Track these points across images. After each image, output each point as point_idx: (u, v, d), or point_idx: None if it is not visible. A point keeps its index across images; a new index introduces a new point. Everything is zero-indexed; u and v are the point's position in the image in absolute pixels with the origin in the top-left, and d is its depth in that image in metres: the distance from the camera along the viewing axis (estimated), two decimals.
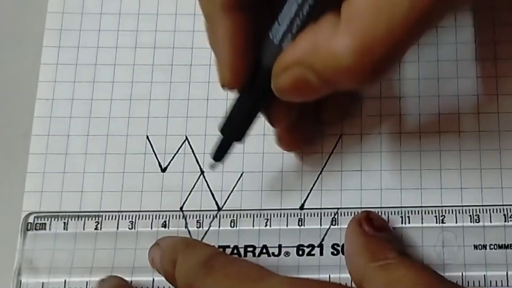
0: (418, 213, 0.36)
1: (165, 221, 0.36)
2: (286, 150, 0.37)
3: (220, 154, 0.34)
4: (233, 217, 0.36)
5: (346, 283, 0.34)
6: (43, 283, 0.35)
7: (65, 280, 0.35)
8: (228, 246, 0.36)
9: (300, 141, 0.36)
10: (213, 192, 0.37)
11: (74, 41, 0.39)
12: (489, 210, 0.35)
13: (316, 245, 0.35)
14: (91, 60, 0.39)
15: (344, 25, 0.27)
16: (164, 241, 0.34)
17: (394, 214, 0.36)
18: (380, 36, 0.27)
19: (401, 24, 0.26)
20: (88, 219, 0.36)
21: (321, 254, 0.35)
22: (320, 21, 0.28)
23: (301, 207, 0.36)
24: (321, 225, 0.36)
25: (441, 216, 0.35)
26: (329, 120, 0.37)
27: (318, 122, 0.37)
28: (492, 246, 0.35)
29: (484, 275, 0.34)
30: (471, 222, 0.35)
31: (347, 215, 0.36)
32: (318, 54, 0.28)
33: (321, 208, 0.36)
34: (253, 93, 0.32)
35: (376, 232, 0.33)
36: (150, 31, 0.39)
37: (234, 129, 0.33)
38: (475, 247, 0.35)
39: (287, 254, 0.35)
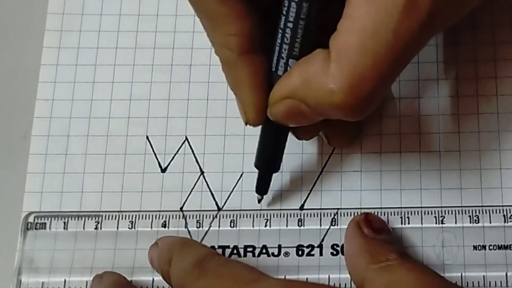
0: (418, 214, 0.36)
1: (165, 221, 0.36)
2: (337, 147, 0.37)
3: (263, 188, 0.35)
4: (233, 217, 0.36)
5: (345, 284, 0.34)
6: (43, 282, 0.35)
7: (65, 280, 0.35)
8: (228, 246, 0.36)
9: (348, 138, 0.37)
10: (213, 193, 0.37)
11: (74, 41, 0.39)
12: (489, 210, 0.35)
13: (315, 245, 0.35)
14: (91, 60, 0.39)
15: (334, 63, 0.28)
16: (162, 241, 0.35)
17: (394, 214, 0.36)
18: (368, 72, 0.28)
19: (387, 58, 0.28)
20: (88, 219, 0.36)
21: (321, 254, 0.35)
22: (312, 55, 0.29)
23: (301, 208, 0.36)
24: (321, 225, 0.36)
25: (441, 216, 0.35)
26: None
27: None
28: (491, 247, 0.35)
29: (484, 276, 0.34)
30: (470, 222, 0.35)
31: (347, 215, 0.36)
32: (310, 89, 0.29)
33: (321, 209, 0.36)
34: (275, 124, 0.32)
35: (376, 234, 0.33)
36: (150, 31, 0.39)
37: (268, 163, 0.35)
38: (475, 247, 0.35)
39: (286, 254, 0.35)
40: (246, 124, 0.33)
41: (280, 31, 0.31)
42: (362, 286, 0.32)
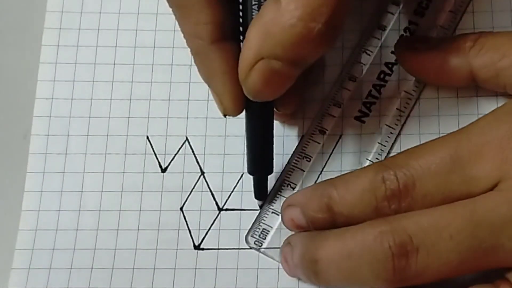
0: None
1: (165, 221, 0.36)
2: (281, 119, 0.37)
3: (261, 193, 0.35)
4: (234, 217, 0.36)
5: None
6: (43, 282, 0.35)
7: (65, 280, 0.35)
8: (228, 248, 0.36)
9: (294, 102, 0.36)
10: (213, 193, 0.37)
11: (73, 40, 0.39)
12: None
13: None
14: (90, 59, 0.39)
15: (285, 0, 0.28)
16: (294, 239, 0.34)
17: None
18: None
19: None
20: (88, 219, 0.36)
21: None
22: (261, 9, 0.29)
23: None
24: None
25: None
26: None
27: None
28: None
29: None
30: None
31: None
32: (273, 38, 0.28)
33: None
34: (256, 111, 0.32)
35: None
36: (149, 30, 0.39)
37: (260, 165, 0.35)
38: None
39: None
40: (224, 115, 0.33)
41: (242, 14, 0.31)
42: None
